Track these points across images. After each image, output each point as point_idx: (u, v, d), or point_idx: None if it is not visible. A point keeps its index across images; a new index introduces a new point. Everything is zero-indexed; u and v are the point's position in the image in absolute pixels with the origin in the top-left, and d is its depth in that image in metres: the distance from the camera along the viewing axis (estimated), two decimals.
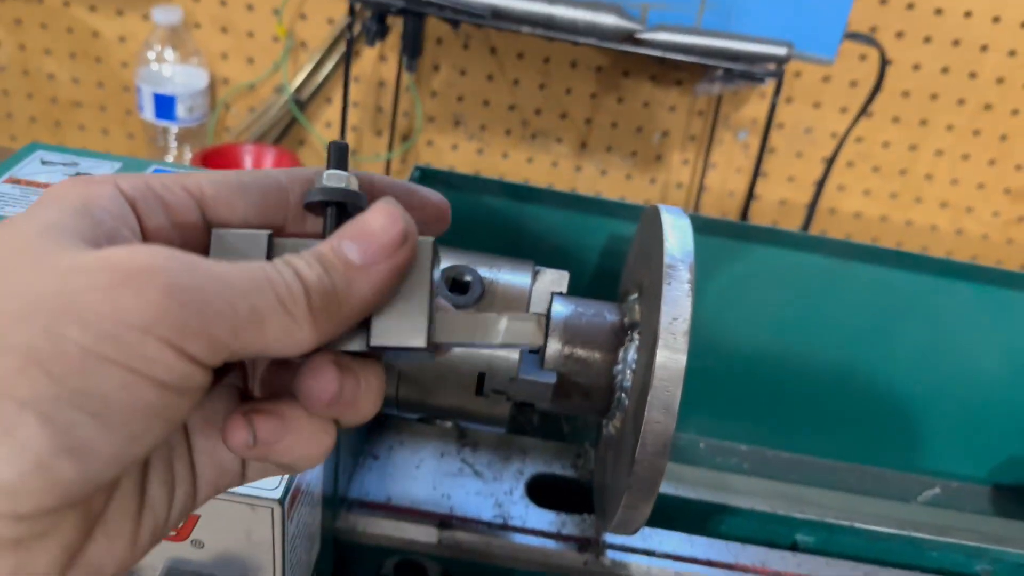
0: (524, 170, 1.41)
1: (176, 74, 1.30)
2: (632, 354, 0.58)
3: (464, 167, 1.40)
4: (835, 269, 0.79)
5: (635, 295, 0.61)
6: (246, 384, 0.31)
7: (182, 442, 0.28)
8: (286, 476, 0.48)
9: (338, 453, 0.62)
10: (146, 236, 0.27)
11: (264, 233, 0.28)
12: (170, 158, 1.33)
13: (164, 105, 1.28)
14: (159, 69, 1.29)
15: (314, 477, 0.55)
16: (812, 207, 1.30)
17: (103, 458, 0.23)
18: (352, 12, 0.95)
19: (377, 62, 1.30)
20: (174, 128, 1.31)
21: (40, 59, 1.39)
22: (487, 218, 0.76)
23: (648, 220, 0.63)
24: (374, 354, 0.29)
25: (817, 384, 0.85)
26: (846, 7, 0.90)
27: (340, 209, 0.29)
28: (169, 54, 1.28)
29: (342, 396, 0.27)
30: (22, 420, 0.21)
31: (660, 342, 0.52)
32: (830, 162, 1.26)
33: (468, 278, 0.58)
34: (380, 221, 0.27)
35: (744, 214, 1.27)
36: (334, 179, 0.29)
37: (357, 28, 1.15)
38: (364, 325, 0.28)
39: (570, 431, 0.81)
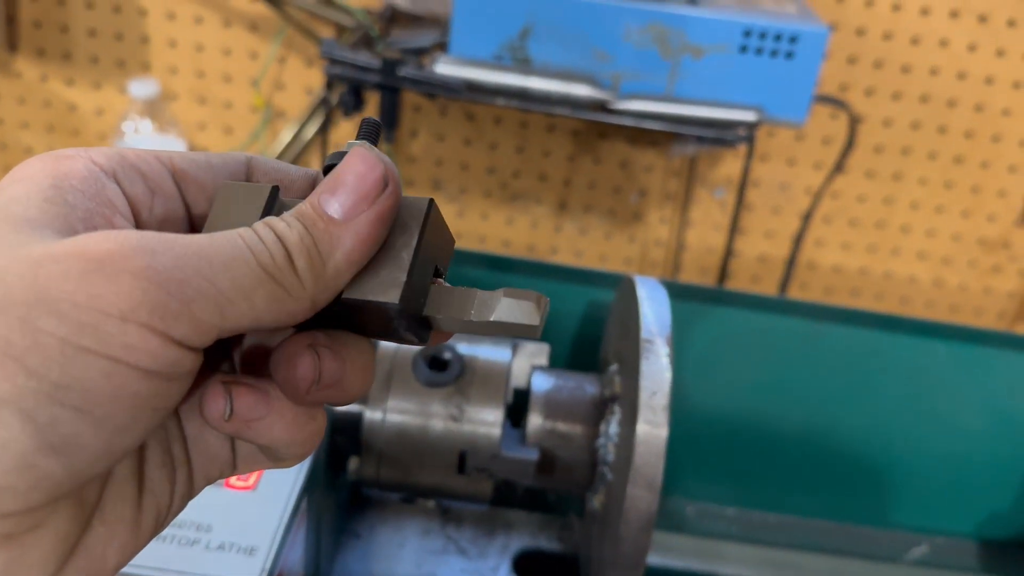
0: (504, 231, 1.42)
1: (153, 146, 1.30)
2: (614, 427, 0.57)
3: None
4: (812, 331, 0.80)
5: (615, 366, 0.61)
6: (233, 366, 0.29)
7: (176, 425, 0.27)
8: (263, 558, 0.47)
9: (318, 532, 0.61)
10: (130, 203, 0.26)
11: (268, 187, 0.27)
12: None
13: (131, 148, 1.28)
14: (136, 141, 1.29)
15: (295, 558, 0.54)
16: (791, 262, 1.31)
17: (90, 452, 0.22)
18: (329, 85, 0.96)
19: (353, 130, 1.31)
20: None
21: (17, 133, 1.39)
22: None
23: (625, 291, 0.63)
24: (354, 320, 0.26)
25: (801, 445, 0.85)
26: (814, 73, 0.92)
27: None
28: (146, 126, 1.29)
29: (322, 380, 0.26)
30: (2, 419, 0.20)
31: (640, 418, 0.51)
32: (807, 217, 1.28)
33: (447, 355, 0.58)
34: (357, 168, 0.25)
35: (723, 271, 1.28)
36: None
37: (334, 98, 1.16)
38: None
39: (555, 500, 0.80)
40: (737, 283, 1.43)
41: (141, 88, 1.26)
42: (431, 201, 0.26)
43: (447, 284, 0.28)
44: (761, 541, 0.85)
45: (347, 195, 0.25)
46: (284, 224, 0.25)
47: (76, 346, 0.21)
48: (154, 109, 1.30)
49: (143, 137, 1.30)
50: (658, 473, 0.50)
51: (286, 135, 1.32)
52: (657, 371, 0.52)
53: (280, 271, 0.24)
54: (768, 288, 1.41)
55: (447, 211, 1.41)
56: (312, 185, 0.29)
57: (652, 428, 0.51)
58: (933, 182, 1.33)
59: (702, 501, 0.86)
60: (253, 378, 0.26)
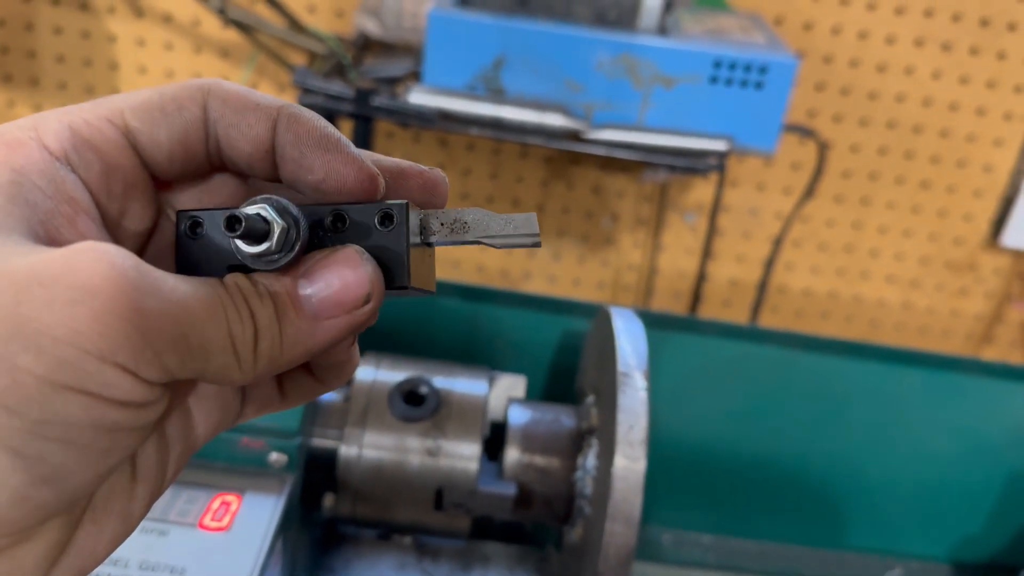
0: (478, 256, 1.42)
1: None
2: (591, 460, 0.57)
3: None
4: (784, 359, 0.80)
5: (591, 398, 0.61)
6: None
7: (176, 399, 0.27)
8: None
9: (293, 570, 0.60)
10: (91, 192, 0.25)
11: (225, 212, 0.25)
12: None
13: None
14: None
15: None
16: (762, 287, 1.33)
17: (79, 478, 0.22)
18: None
19: None
20: None
21: None
22: (442, 321, 0.76)
23: (601, 322, 0.63)
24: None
25: (775, 471, 0.85)
26: (783, 102, 0.93)
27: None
28: None
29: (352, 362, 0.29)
30: None
31: (618, 452, 0.51)
32: (777, 242, 1.29)
33: (423, 391, 0.57)
34: (345, 275, 0.25)
35: (695, 295, 1.28)
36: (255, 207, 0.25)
37: None
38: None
39: (534, 531, 0.79)
40: (709, 307, 1.44)
41: None
42: (407, 204, 0.26)
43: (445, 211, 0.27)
44: (737, 568, 0.85)
45: (327, 297, 0.25)
46: (258, 300, 0.25)
47: (54, 383, 0.21)
48: None
49: None
50: (636, 508, 0.50)
51: None
52: (634, 405, 0.52)
53: (243, 346, 0.24)
54: (740, 311, 1.42)
55: None
56: (273, 128, 0.27)
57: (630, 463, 0.51)
58: (901, 206, 1.36)
59: (677, 529, 0.86)
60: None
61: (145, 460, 0.26)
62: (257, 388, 0.29)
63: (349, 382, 0.59)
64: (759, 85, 0.92)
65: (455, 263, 1.40)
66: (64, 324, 0.21)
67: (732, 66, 0.91)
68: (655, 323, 0.78)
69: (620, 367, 0.54)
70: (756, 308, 1.31)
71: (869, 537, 0.88)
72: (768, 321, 1.44)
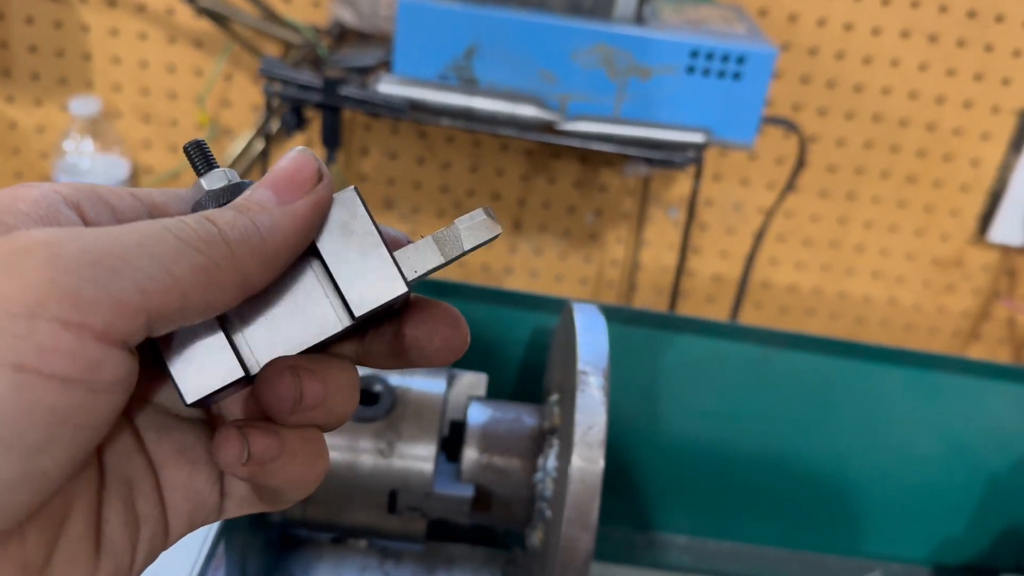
0: None
1: (95, 164, 1.26)
2: (552, 461, 0.55)
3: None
4: (765, 357, 0.78)
5: (555, 396, 0.59)
6: (211, 418, 0.28)
7: (147, 477, 0.25)
8: None
9: (243, 574, 0.58)
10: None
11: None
12: None
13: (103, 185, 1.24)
14: (77, 160, 1.25)
15: None
16: (743, 282, 1.31)
17: (5, 479, 0.19)
18: (269, 105, 0.94)
19: (310, 148, 1.28)
20: None
21: None
22: None
23: (565, 318, 0.61)
24: (354, 332, 0.27)
25: (754, 471, 0.83)
26: (762, 94, 0.91)
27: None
28: (88, 145, 1.25)
29: (305, 400, 0.25)
30: None
31: (575, 453, 0.49)
32: (759, 236, 1.27)
33: (377, 388, 0.55)
34: (294, 161, 0.25)
35: (675, 290, 1.26)
36: (216, 179, 0.26)
37: (277, 120, 1.13)
38: (333, 308, 0.26)
39: (503, 532, 0.77)
40: (692, 303, 1.42)
41: (82, 106, 1.23)
42: (355, 188, 0.26)
43: (403, 240, 0.28)
44: (714, 571, 0.83)
45: (285, 183, 0.25)
46: (217, 211, 0.24)
47: None
48: (96, 127, 1.26)
49: (85, 156, 1.26)
50: (593, 512, 0.48)
51: (232, 153, 1.29)
52: (592, 405, 0.50)
53: (204, 243, 0.22)
54: (723, 307, 1.40)
55: (399, 231, 1.38)
56: None
57: (587, 464, 0.49)
58: (886, 201, 1.34)
59: (653, 531, 0.84)
60: (261, 420, 0.26)
61: (111, 532, 0.23)
62: (234, 481, 0.27)
63: None
64: (737, 76, 0.89)
65: None
66: None
67: (709, 56, 0.89)
68: (634, 320, 0.76)
69: (579, 365, 0.52)
70: (737, 304, 1.29)
71: (849, 539, 0.86)
72: (752, 317, 1.42)
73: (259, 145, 1.27)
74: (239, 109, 1.29)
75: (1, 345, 0.18)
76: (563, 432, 0.54)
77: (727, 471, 0.83)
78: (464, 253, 0.27)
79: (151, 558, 0.25)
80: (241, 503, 0.28)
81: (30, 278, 0.19)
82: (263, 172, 1.10)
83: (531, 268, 1.41)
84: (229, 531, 0.50)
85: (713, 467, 0.83)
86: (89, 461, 0.23)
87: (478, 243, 0.27)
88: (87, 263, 0.20)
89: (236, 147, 1.28)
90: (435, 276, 0.28)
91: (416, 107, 0.87)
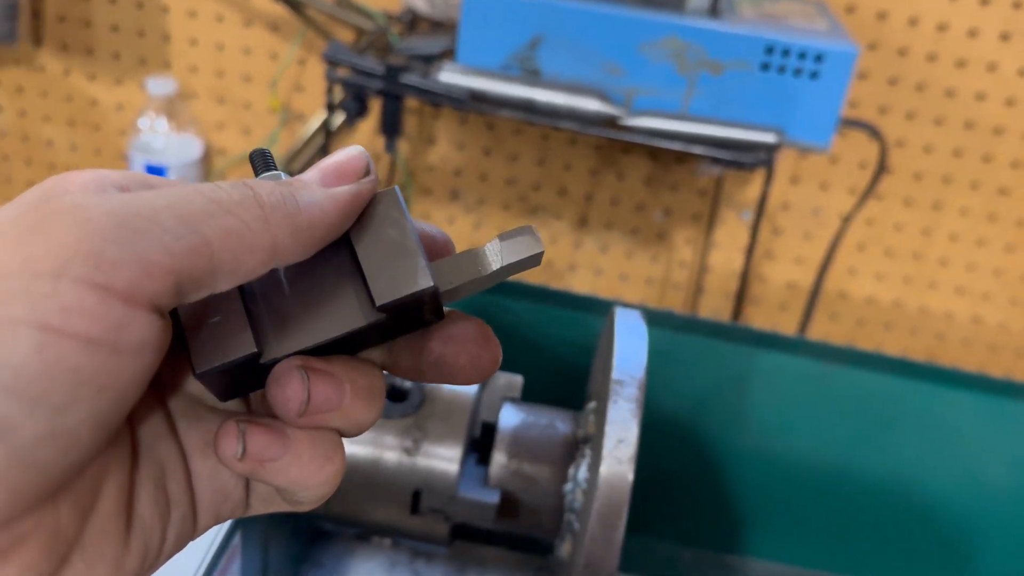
0: None
1: (169, 144, 1.29)
2: (583, 471, 0.53)
3: (461, 242, 1.37)
4: (831, 375, 0.74)
5: (592, 404, 0.57)
6: (249, 408, 0.28)
7: (178, 463, 0.25)
8: None
9: (265, 564, 0.57)
10: None
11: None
12: None
13: (155, 175, 1.27)
14: (152, 139, 1.28)
15: None
16: (815, 291, 1.25)
17: (27, 435, 0.19)
18: (330, 89, 0.93)
19: (373, 135, 1.28)
20: None
21: (39, 126, 1.39)
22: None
23: (609, 322, 0.59)
24: (380, 334, 0.26)
25: (808, 492, 0.79)
26: (840, 94, 0.86)
27: None
28: (162, 124, 1.28)
29: (313, 403, 0.24)
30: None
31: (603, 467, 0.47)
32: (836, 244, 1.21)
33: (406, 385, 0.54)
34: (344, 153, 0.25)
35: (740, 296, 1.22)
36: (270, 177, 0.26)
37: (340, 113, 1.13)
38: (359, 302, 0.25)
39: (536, 540, 0.75)
40: (762, 310, 1.37)
41: (158, 86, 1.25)
42: (397, 187, 0.26)
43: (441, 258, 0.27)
44: None
45: (332, 170, 0.25)
46: (257, 179, 0.24)
47: (4, 318, 0.19)
48: (171, 107, 1.28)
49: (159, 135, 1.28)
50: (618, 530, 0.46)
51: (302, 138, 1.29)
52: (624, 417, 0.47)
53: (237, 204, 0.22)
54: (794, 316, 1.35)
55: (465, 222, 1.37)
56: None
57: (615, 480, 0.46)
58: (975, 213, 1.26)
59: (698, 548, 0.81)
60: (267, 417, 0.25)
61: (143, 511, 0.24)
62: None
63: None
64: (815, 75, 0.85)
65: None
66: (16, 254, 0.19)
67: (786, 53, 0.84)
68: (690, 328, 0.73)
69: (614, 374, 0.49)
70: (809, 313, 1.23)
71: (904, 568, 0.81)
72: (825, 329, 1.36)
73: (325, 132, 1.27)
74: (311, 94, 1.30)
75: (25, 304, 0.19)
76: (595, 443, 0.52)
77: (780, 490, 0.79)
78: (503, 268, 0.26)
79: (179, 545, 0.25)
80: (266, 501, 0.27)
81: (56, 239, 0.19)
82: (323, 155, 1.09)
83: (595, 266, 1.38)
84: (246, 522, 0.49)
85: (766, 486, 0.79)
86: (121, 435, 0.23)
87: (518, 259, 0.26)
88: (113, 224, 0.20)
89: (306, 131, 1.29)
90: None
91: (477, 98, 0.85)
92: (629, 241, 1.36)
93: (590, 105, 0.83)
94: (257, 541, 0.53)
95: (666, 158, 1.28)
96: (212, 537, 0.47)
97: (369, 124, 1.25)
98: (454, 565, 0.69)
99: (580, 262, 1.38)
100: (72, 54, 1.33)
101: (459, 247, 0.27)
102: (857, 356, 0.74)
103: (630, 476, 0.46)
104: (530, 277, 1.31)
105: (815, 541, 0.79)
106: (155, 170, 1.26)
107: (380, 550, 0.69)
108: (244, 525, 0.49)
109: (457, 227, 1.37)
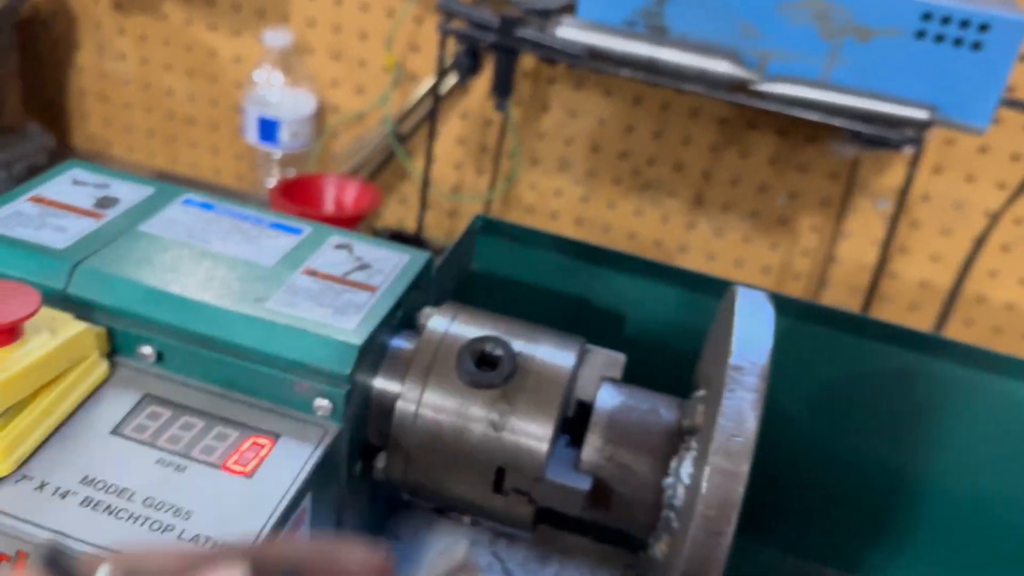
0: (631, 223, 1.31)
1: (284, 99, 1.28)
2: (687, 466, 0.47)
3: (567, 214, 1.32)
4: (978, 383, 0.66)
5: (701, 392, 0.51)
6: None
7: None
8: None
9: (338, 529, 0.54)
10: None
11: None
12: (272, 183, 1.32)
13: (268, 129, 1.26)
14: (267, 93, 1.27)
15: None
16: (954, 293, 1.14)
17: None
18: (443, 45, 0.89)
19: (484, 99, 1.24)
20: (277, 152, 1.29)
21: (160, 74, 1.41)
22: (551, 281, 0.67)
23: (726, 304, 0.52)
24: None
25: (935, 511, 0.71)
26: (1005, 69, 0.76)
27: None
28: (278, 78, 1.27)
29: None
30: None
31: (713, 462, 0.41)
32: (979, 242, 1.10)
33: (498, 352, 0.49)
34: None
35: (871, 291, 1.12)
36: None
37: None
38: None
39: (626, 534, 0.70)
40: (891, 308, 1.27)
41: (275, 38, 1.24)
42: None
43: None
44: None
45: None
46: None
47: None
48: (288, 61, 1.27)
49: (275, 88, 1.28)
50: (725, 535, 0.40)
51: (413, 99, 1.26)
52: (742, 408, 0.41)
53: None
54: (926, 318, 1.24)
55: (572, 195, 1.32)
56: None
57: (725, 478, 0.40)
58: None
59: (801, 558, 0.74)
60: None
61: None
62: None
63: (420, 330, 0.52)
64: (977, 46, 0.75)
65: (605, 227, 1.31)
66: None
67: (945, 20, 0.75)
68: (816, 317, 0.66)
69: (733, 359, 0.43)
70: (944, 316, 1.13)
71: None
72: (959, 335, 1.25)
73: (441, 91, 1.24)
74: (426, 55, 1.26)
75: None
76: (703, 435, 0.46)
77: (909, 508, 0.71)
78: None
79: None
80: None
81: None
82: (431, 130, 1.05)
83: (708, 250, 1.31)
84: (317, 485, 0.46)
85: (891, 501, 0.71)
86: None
87: None
88: None
89: (417, 93, 1.26)
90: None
91: (596, 55, 0.79)
92: (747, 224, 1.28)
93: (720, 67, 0.76)
94: (330, 506, 0.50)
95: (795, 136, 1.19)
96: (278, 497, 0.43)
97: (479, 90, 1.20)
98: (536, 551, 0.64)
99: (692, 244, 1.31)
100: (194, 4, 1.34)
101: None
102: (1014, 365, 0.65)
103: (743, 476, 0.40)
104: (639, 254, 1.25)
105: (953, 571, 0.71)
106: (269, 123, 1.26)
107: (460, 527, 0.65)
108: (315, 488, 0.46)
109: (565, 199, 1.32)
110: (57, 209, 0.55)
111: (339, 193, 1.21)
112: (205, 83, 1.39)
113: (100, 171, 0.61)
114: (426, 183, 1.09)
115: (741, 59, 0.78)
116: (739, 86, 0.77)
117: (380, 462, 0.51)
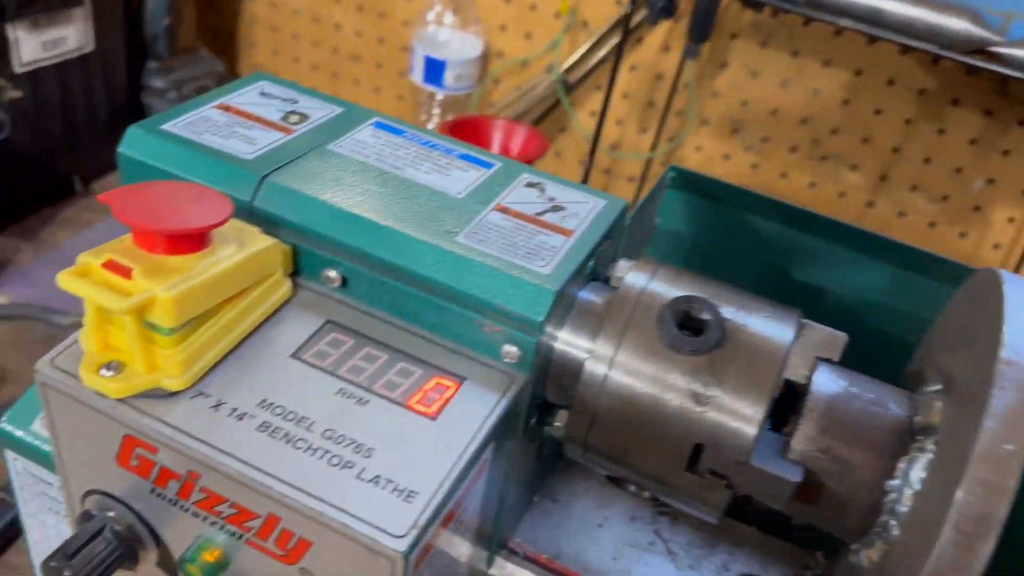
0: (803, 196, 1.22)
1: (452, 40, 1.25)
2: (919, 470, 0.41)
3: (733, 181, 1.24)
4: None
5: (936, 386, 0.44)
6: None
7: None
8: (419, 510, 0.37)
9: (505, 484, 0.51)
10: None
11: None
12: (431, 125, 1.29)
13: (433, 69, 1.23)
14: (435, 32, 1.24)
15: (472, 507, 0.44)
16: None
17: None
18: None
19: (659, 52, 1.17)
20: (440, 94, 1.27)
21: (330, 8, 1.40)
22: (748, 245, 0.61)
23: (976, 289, 0.45)
24: None
25: None
26: None
27: None
28: (448, 18, 1.24)
29: None
30: None
31: (970, 471, 0.35)
32: None
33: (705, 315, 0.44)
34: None
35: None
36: None
37: (639, 14, 1.02)
38: None
39: (803, 531, 0.64)
40: None
41: None
42: None
43: None
44: None
45: None
46: None
47: None
48: (459, 2, 1.24)
49: (444, 28, 1.24)
50: (979, 559, 0.34)
51: (582, 48, 1.20)
52: (1015, 411, 0.35)
53: None
54: None
55: (741, 161, 1.23)
56: None
57: (987, 493, 0.34)
58: None
59: None
60: None
61: None
62: None
63: (615, 286, 0.47)
64: None
65: (799, 188, 1.22)
66: None
67: None
68: None
69: (1003, 352, 0.36)
70: None
71: None
72: None
73: (613, 41, 1.17)
74: (602, 1, 1.20)
75: None
76: (948, 436, 0.39)
77: None
78: None
79: None
80: None
81: None
82: (614, 68, 0.99)
83: (888, 233, 1.20)
84: (501, 434, 0.42)
85: None
86: None
87: None
88: None
89: (587, 42, 1.20)
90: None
91: (811, 3, 0.71)
92: (935, 208, 1.16)
93: (956, 25, 0.67)
94: (503, 457, 0.46)
95: (1006, 116, 1.07)
96: (463, 444, 0.40)
97: (653, 42, 1.13)
98: (702, 536, 0.59)
99: (870, 224, 1.21)
100: None
101: None
102: None
103: (1011, 491, 0.34)
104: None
105: None
106: (435, 64, 1.23)
107: (621, 497, 0.60)
108: (497, 439, 0.42)
109: (732, 165, 1.24)
110: (245, 120, 0.53)
111: (506, 138, 1.17)
112: (373, 19, 1.37)
113: (289, 85, 0.58)
114: (597, 137, 1.03)
115: (982, 17, 0.68)
116: (976, 47, 0.68)
117: (560, 420, 0.47)
